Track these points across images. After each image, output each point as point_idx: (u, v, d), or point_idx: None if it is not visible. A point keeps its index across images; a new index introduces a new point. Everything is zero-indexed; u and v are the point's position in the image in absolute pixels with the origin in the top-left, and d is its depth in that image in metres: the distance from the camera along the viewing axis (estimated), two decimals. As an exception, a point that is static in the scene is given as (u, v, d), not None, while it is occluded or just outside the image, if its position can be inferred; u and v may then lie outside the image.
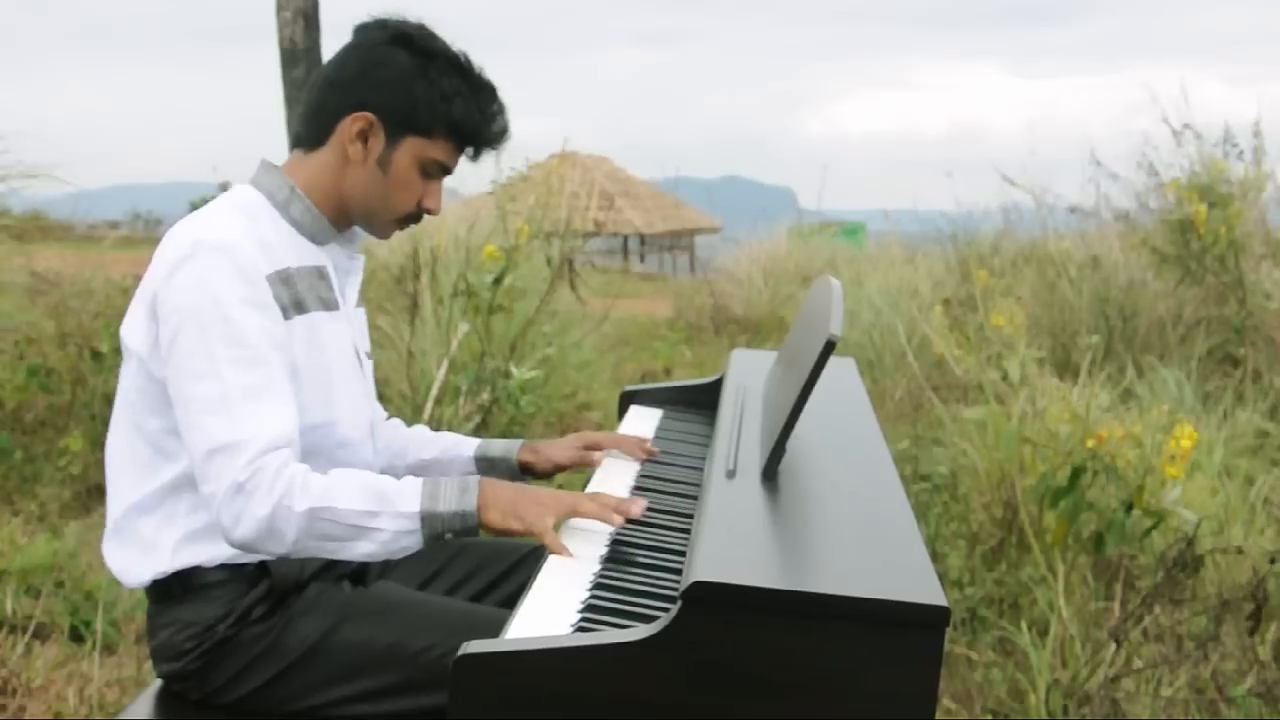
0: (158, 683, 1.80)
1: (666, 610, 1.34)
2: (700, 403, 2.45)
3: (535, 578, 1.56)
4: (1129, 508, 3.27)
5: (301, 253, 1.77)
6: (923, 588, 1.34)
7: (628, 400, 2.49)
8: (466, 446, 2.08)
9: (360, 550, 1.63)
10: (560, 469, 2.09)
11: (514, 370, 5.01)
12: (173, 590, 1.73)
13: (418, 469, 2.04)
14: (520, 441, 2.10)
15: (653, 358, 8.29)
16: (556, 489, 1.77)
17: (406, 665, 1.68)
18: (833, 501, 1.70)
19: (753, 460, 1.79)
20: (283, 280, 1.70)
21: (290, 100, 7.15)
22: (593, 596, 1.50)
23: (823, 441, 1.93)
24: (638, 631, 1.33)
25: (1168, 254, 6.38)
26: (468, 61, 1.78)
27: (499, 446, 2.08)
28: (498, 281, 4.79)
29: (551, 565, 1.59)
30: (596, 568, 1.59)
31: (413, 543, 1.64)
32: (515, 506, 1.66)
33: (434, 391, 4.77)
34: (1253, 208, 6.30)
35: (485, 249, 4.90)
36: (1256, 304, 5.97)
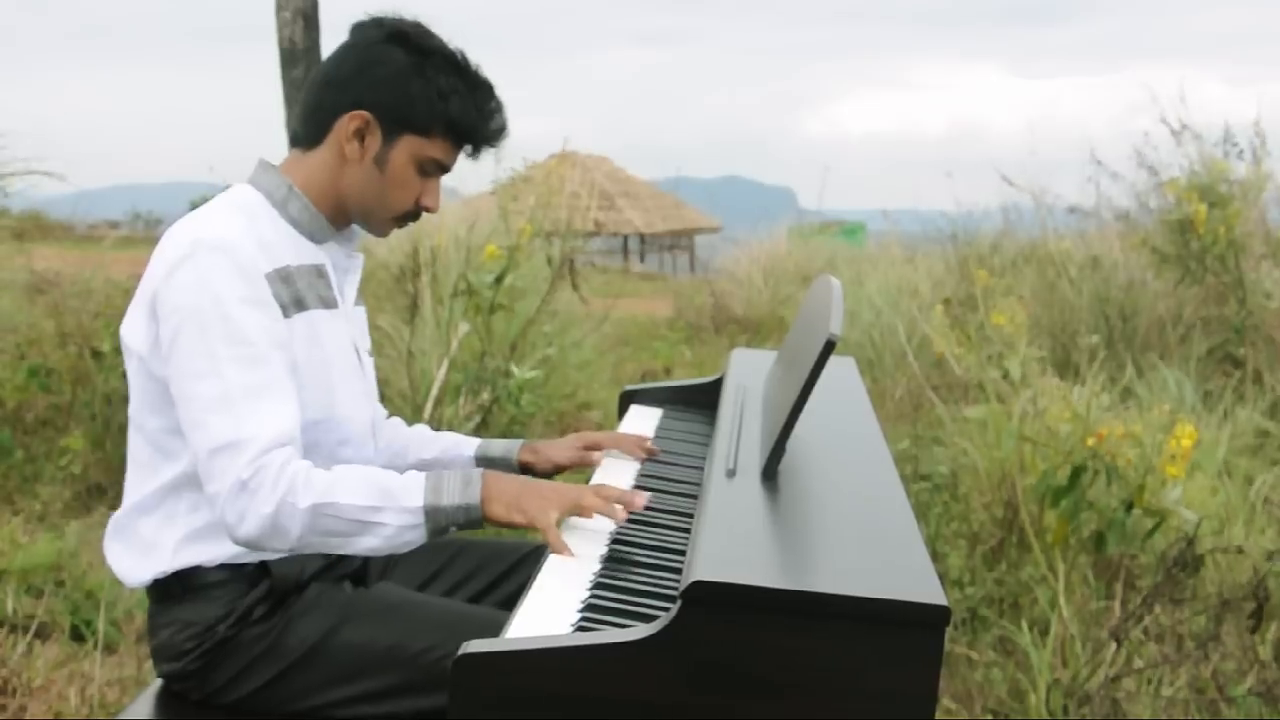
0: (158, 683, 1.80)
1: (666, 610, 1.33)
2: (700, 402, 2.45)
3: (535, 577, 1.56)
4: (1129, 507, 3.27)
5: (300, 251, 1.77)
6: (923, 587, 1.34)
7: (628, 400, 2.50)
8: (467, 446, 2.08)
9: (364, 545, 1.63)
10: (560, 469, 2.10)
11: (514, 370, 5.01)
12: (173, 590, 1.73)
13: (418, 469, 2.04)
14: (520, 442, 2.10)
15: (653, 357, 8.29)
16: (559, 482, 1.77)
17: (406, 666, 1.68)
18: (833, 501, 1.70)
19: (753, 460, 1.79)
20: (282, 278, 1.70)
21: (290, 100, 7.15)
22: (593, 596, 1.50)
23: (823, 441, 1.93)
24: (638, 631, 1.33)
25: (1168, 254, 6.38)
26: (464, 59, 1.78)
27: (499, 447, 2.08)
28: (499, 280, 4.79)
29: (552, 565, 1.59)
30: (596, 567, 1.59)
31: (417, 537, 1.64)
32: (519, 500, 1.66)
33: (434, 391, 4.77)
34: (1253, 208, 6.30)
35: (486, 249, 4.91)
36: (1256, 304, 5.97)
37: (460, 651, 1.33)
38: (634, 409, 2.45)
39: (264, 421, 1.60)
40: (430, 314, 5.52)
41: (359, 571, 1.88)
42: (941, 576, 2.78)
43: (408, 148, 1.75)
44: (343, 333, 1.82)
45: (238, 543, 1.62)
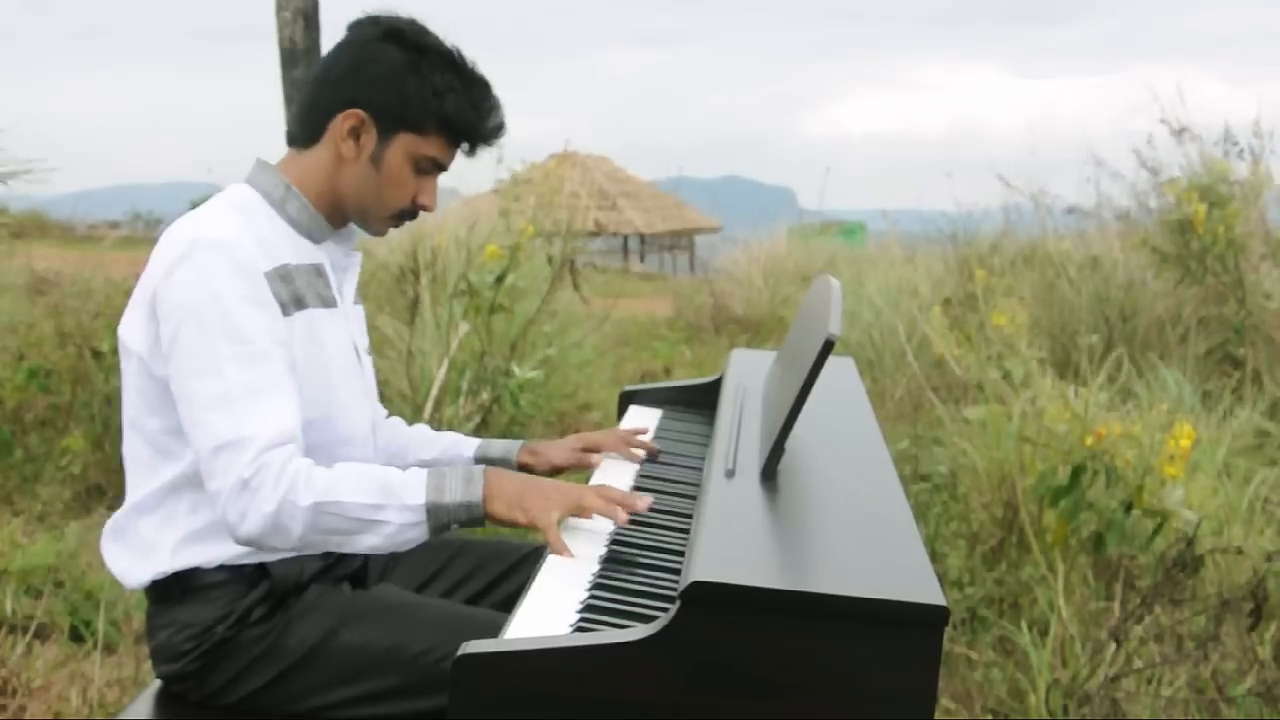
0: (157, 683, 1.80)
1: (666, 610, 1.33)
2: (700, 402, 2.45)
3: (534, 578, 1.56)
4: (1128, 508, 3.27)
5: (299, 250, 1.77)
6: (922, 587, 1.34)
7: (627, 400, 2.50)
8: (466, 447, 2.08)
9: (366, 543, 1.63)
10: (558, 470, 2.10)
11: (515, 370, 5.01)
12: (172, 591, 1.73)
13: (419, 467, 2.05)
14: (520, 442, 2.10)
15: (653, 357, 8.29)
16: (560, 481, 1.77)
17: (405, 668, 1.68)
18: (832, 501, 1.70)
19: (752, 460, 1.79)
20: (281, 277, 1.70)
21: (290, 100, 7.14)
22: (592, 596, 1.50)
23: (822, 441, 1.93)
24: (637, 631, 1.33)
25: (1168, 254, 6.39)
26: (460, 57, 1.77)
27: (499, 447, 2.08)
28: (499, 280, 4.79)
29: (551, 565, 1.59)
30: (596, 567, 1.59)
31: (419, 534, 1.64)
32: (521, 498, 1.66)
33: (434, 391, 4.78)
34: (1252, 208, 6.30)
35: (487, 249, 4.91)
36: (1256, 304, 5.97)
37: (460, 652, 1.33)
38: (633, 409, 2.45)
39: (265, 420, 1.60)
40: (430, 314, 5.52)
41: (358, 572, 1.88)
42: (941, 576, 2.78)
43: (403, 146, 1.75)
44: (342, 332, 1.82)
45: (239, 541, 1.62)
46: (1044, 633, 3.12)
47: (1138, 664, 2.88)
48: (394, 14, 1.78)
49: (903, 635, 1.29)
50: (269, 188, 1.77)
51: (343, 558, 1.83)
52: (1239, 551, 3.09)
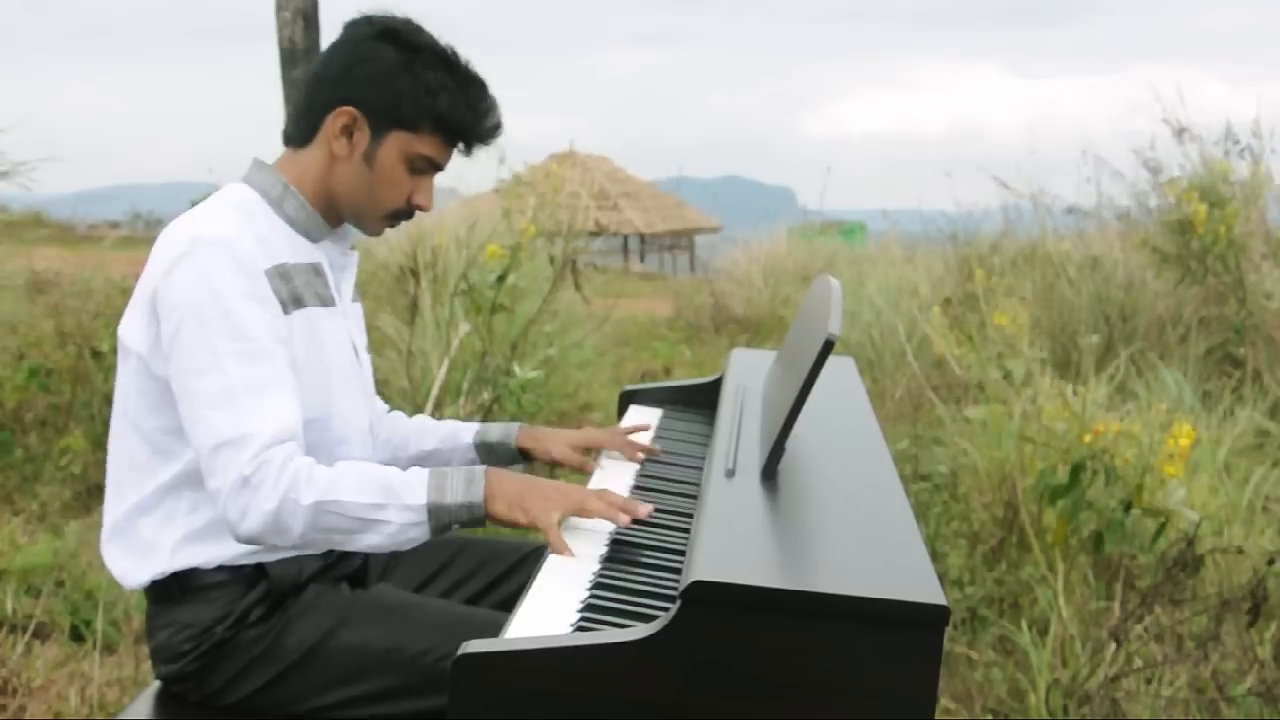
0: (157, 683, 1.79)
1: (666, 610, 1.33)
2: (700, 402, 2.45)
3: (535, 577, 1.56)
4: (1128, 507, 3.27)
5: (297, 249, 1.76)
6: (922, 587, 1.34)
7: (627, 400, 2.49)
8: (465, 433, 2.07)
9: (367, 543, 1.63)
10: (556, 464, 2.09)
11: (515, 369, 5.01)
12: (171, 591, 1.73)
13: (419, 460, 2.05)
14: (519, 425, 2.09)
15: (653, 357, 8.29)
16: (562, 482, 1.77)
17: (404, 669, 1.67)
18: (832, 501, 1.70)
19: (752, 460, 1.79)
20: (281, 275, 1.70)
21: (290, 100, 7.14)
22: (592, 596, 1.50)
23: (822, 441, 1.93)
24: (637, 631, 1.33)
25: (1168, 254, 6.39)
26: (455, 55, 1.76)
27: (497, 431, 2.08)
28: (501, 280, 4.79)
29: (551, 564, 1.59)
30: (596, 567, 1.59)
31: (420, 534, 1.64)
32: (522, 499, 1.66)
33: (434, 391, 4.78)
34: (1253, 208, 6.30)
35: (488, 248, 4.91)
36: (1257, 304, 5.97)
37: (460, 651, 1.33)
38: (634, 409, 2.45)
39: (266, 417, 1.59)
40: (431, 314, 5.52)
41: (358, 572, 1.88)
42: (941, 576, 2.78)
43: (396, 144, 1.75)
44: (340, 330, 1.82)
45: (239, 539, 1.62)
46: (1044, 633, 3.12)
47: (1138, 664, 2.88)
48: (389, 13, 1.78)
49: (903, 635, 1.29)
50: (267, 187, 1.77)
51: (342, 558, 1.83)
52: (1239, 551, 3.09)
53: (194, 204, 1.80)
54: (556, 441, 2.09)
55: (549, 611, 1.45)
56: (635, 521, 1.70)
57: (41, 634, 3.17)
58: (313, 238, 1.80)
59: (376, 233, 1.86)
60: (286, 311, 1.70)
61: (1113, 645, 2.87)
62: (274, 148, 1.85)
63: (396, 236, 7.86)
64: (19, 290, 5.91)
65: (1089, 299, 6.57)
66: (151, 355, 1.68)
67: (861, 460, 1.90)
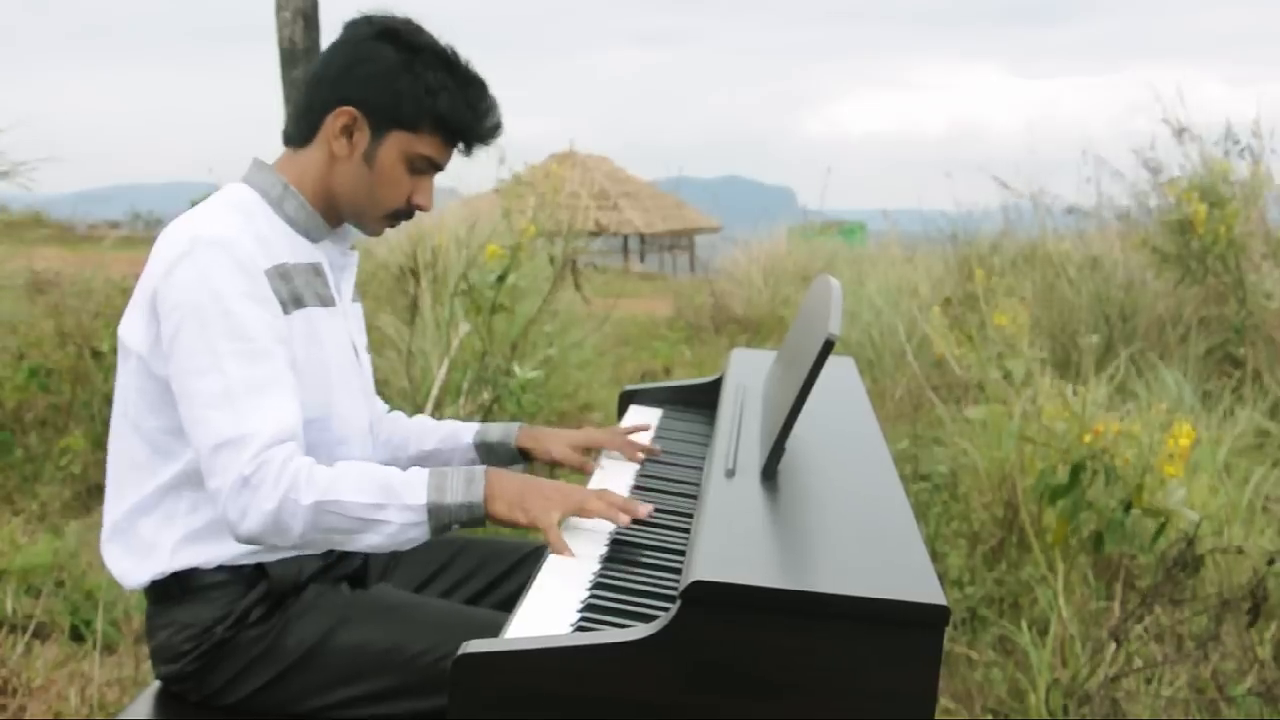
0: (157, 683, 1.79)
1: (666, 610, 1.33)
2: (700, 402, 2.45)
3: (535, 577, 1.56)
4: (1128, 507, 3.27)
5: (297, 249, 1.76)
6: (922, 587, 1.34)
7: (627, 400, 2.49)
8: (465, 433, 2.07)
9: (367, 543, 1.63)
10: (555, 464, 2.09)
11: (515, 370, 5.01)
12: (171, 591, 1.72)
13: (419, 460, 2.05)
14: (519, 425, 2.10)
15: (653, 357, 8.29)
16: (562, 482, 1.77)
17: (403, 669, 1.67)
18: (832, 501, 1.70)
19: (752, 459, 1.79)
20: (281, 275, 1.70)
21: (290, 100, 7.13)
22: (592, 596, 1.50)
23: (822, 441, 1.93)
24: (637, 631, 1.33)
25: (1168, 254, 6.39)
26: (455, 55, 1.76)
27: (497, 431, 2.08)
28: (501, 280, 4.79)
29: (552, 564, 1.59)
30: (596, 567, 1.59)
31: (420, 534, 1.64)
32: (522, 499, 1.66)
33: (434, 391, 4.78)
34: (1253, 207, 6.30)
35: (488, 248, 4.91)
36: (1257, 304, 5.97)
37: (460, 651, 1.33)
38: (634, 409, 2.45)
39: (266, 417, 1.59)
40: (431, 314, 5.52)
41: (358, 572, 1.88)
42: (941, 576, 2.78)
43: (396, 144, 1.74)
44: (340, 331, 1.82)
45: (239, 539, 1.61)
46: (1044, 633, 3.11)
47: (1138, 664, 2.88)
48: (389, 13, 1.78)
49: (903, 635, 1.29)
50: (266, 187, 1.77)
51: (342, 558, 1.83)
52: (1239, 551, 3.09)
53: (194, 204, 1.81)
54: (556, 441, 2.09)
55: (549, 611, 1.45)
56: (635, 521, 1.70)
57: (41, 634, 3.17)
58: (313, 238, 1.80)
59: (376, 233, 1.86)
60: (286, 311, 1.70)
61: (1113, 645, 2.87)
62: (274, 148, 1.85)
63: (396, 236, 7.85)
64: (19, 290, 5.91)
65: (1089, 299, 6.57)
66: (151, 355, 1.68)
67: (861, 460, 1.90)
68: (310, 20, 7.27)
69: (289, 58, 7.23)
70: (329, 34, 1.84)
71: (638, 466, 2.05)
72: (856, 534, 1.55)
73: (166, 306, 1.64)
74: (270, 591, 1.73)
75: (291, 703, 1.71)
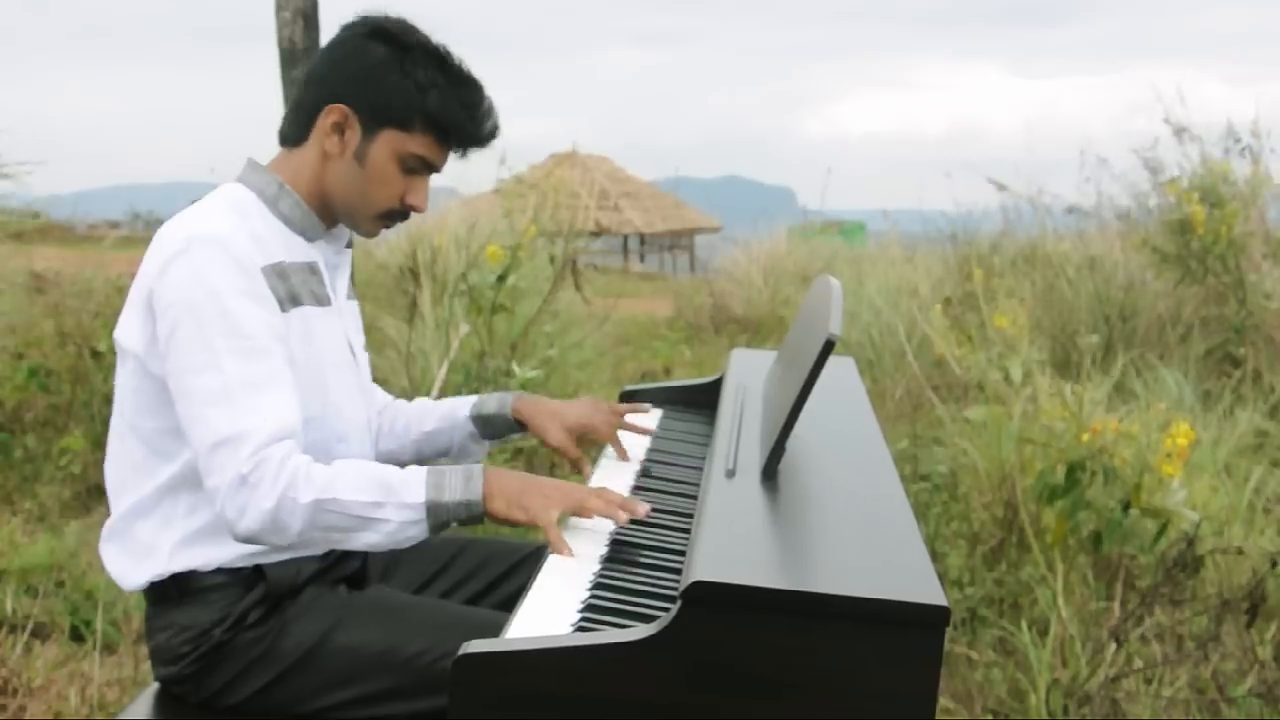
0: (157, 684, 1.79)
1: (666, 610, 1.33)
2: (700, 402, 2.45)
3: (535, 577, 1.56)
4: (1126, 507, 3.27)
5: (293, 248, 1.76)
6: (923, 587, 1.34)
7: (627, 400, 2.49)
8: (462, 407, 2.07)
9: (365, 541, 1.62)
10: (547, 446, 2.08)
11: (515, 370, 5.01)
12: (169, 593, 1.72)
13: (421, 442, 2.05)
14: (515, 395, 2.08)
15: (653, 357, 8.29)
16: (561, 480, 1.77)
17: (400, 670, 1.67)
18: (833, 501, 1.70)
19: (753, 460, 1.79)
20: (278, 273, 1.70)
21: (289, 100, 7.11)
22: (593, 596, 1.50)
23: (823, 441, 1.93)
24: (638, 631, 1.33)
25: (1168, 254, 6.39)
26: (447, 54, 1.76)
27: (493, 402, 2.07)
28: (501, 280, 4.79)
29: (552, 564, 1.59)
30: (596, 567, 1.59)
31: (418, 533, 1.63)
32: (520, 497, 1.66)
33: (434, 391, 4.78)
34: (1252, 207, 6.31)
35: (488, 249, 4.91)
36: (1257, 304, 5.97)
37: (460, 651, 1.32)
38: (633, 416, 2.45)
39: (264, 415, 1.59)
40: (431, 314, 5.52)
41: (357, 573, 1.87)
42: (941, 576, 2.78)
43: (388, 143, 1.74)
44: (336, 329, 1.81)
45: (237, 538, 1.61)
46: (1044, 633, 3.11)
47: (1138, 664, 2.88)
48: (383, 14, 1.78)
49: (903, 635, 1.29)
50: (261, 186, 1.77)
51: (340, 559, 1.83)
52: (1239, 551, 3.09)
53: (193, 204, 1.80)
54: (553, 423, 2.06)
55: (549, 611, 1.45)
56: (635, 522, 1.70)
57: (41, 634, 3.17)
58: (308, 237, 1.79)
59: (371, 233, 1.85)
60: (284, 309, 1.69)
61: (1113, 645, 2.87)
62: (274, 148, 1.85)
63: (396, 237, 7.85)
64: (19, 290, 5.91)
65: (1089, 299, 6.58)
66: (147, 354, 1.67)
67: (862, 460, 1.90)
68: (310, 20, 7.26)
69: (289, 58, 7.22)
70: (329, 34, 1.84)
71: (638, 466, 2.04)
72: (857, 534, 1.55)
73: (162, 305, 1.64)
74: (268, 594, 1.73)
75: (290, 704, 1.71)
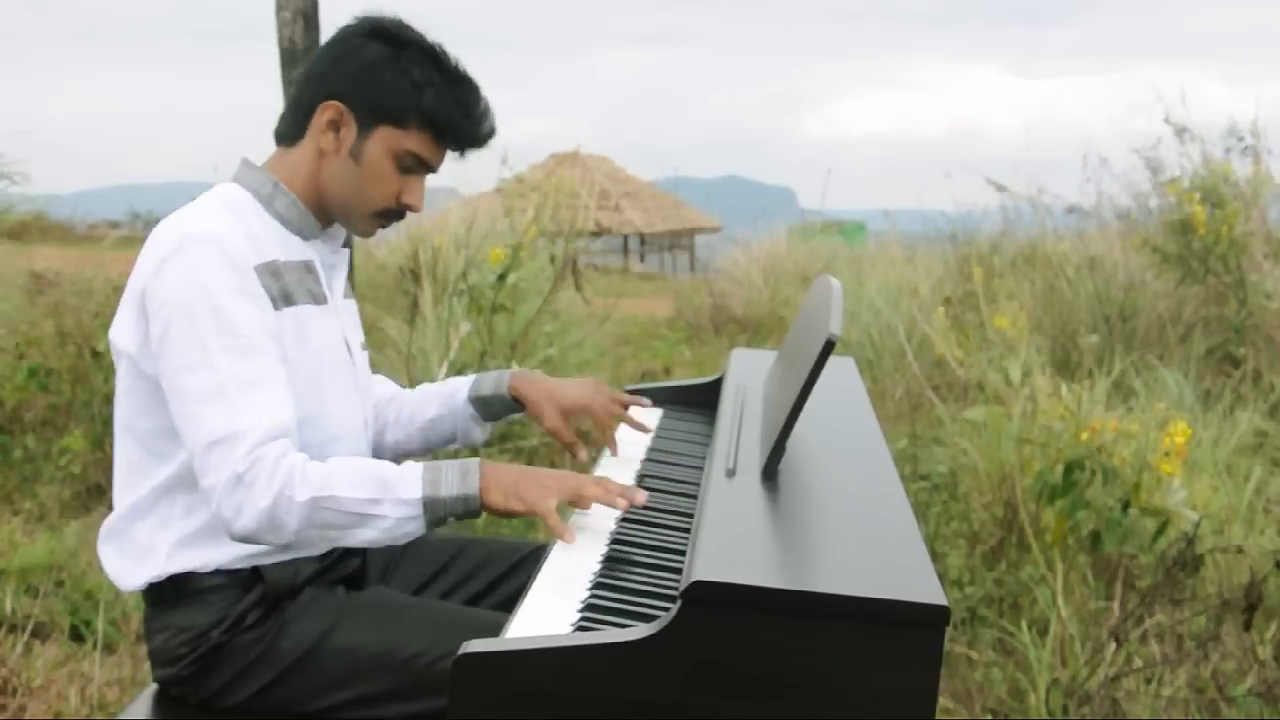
0: (155, 684, 1.79)
1: (667, 610, 1.33)
2: (700, 402, 2.45)
3: (535, 577, 1.56)
4: (1125, 506, 3.27)
5: (288, 247, 1.76)
6: (923, 587, 1.34)
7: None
8: (461, 390, 2.06)
9: (362, 537, 1.62)
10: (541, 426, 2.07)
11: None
12: (167, 595, 1.72)
13: (427, 429, 2.05)
14: (511, 372, 2.07)
15: (653, 357, 8.29)
16: (557, 469, 1.76)
17: (397, 672, 1.67)
18: (833, 501, 1.70)
19: (753, 459, 1.79)
20: (271, 272, 1.70)
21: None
22: (593, 596, 1.50)
23: (823, 441, 1.93)
24: (638, 631, 1.33)
25: (1169, 254, 6.39)
26: (443, 53, 1.76)
27: (489, 383, 2.06)
28: (502, 279, 4.79)
29: (552, 564, 1.59)
30: (597, 567, 1.59)
31: (415, 528, 1.63)
32: (517, 488, 1.65)
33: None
34: (1253, 208, 6.31)
35: (491, 252, 4.91)
36: (1257, 304, 5.97)
37: (461, 651, 1.32)
38: (633, 410, 2.45)
39: (259, 414, 1.59)
40: (431, 314, 5.52)
41: (356, 574, 1.87)
42: (941, 576, 2.77)
43: (384, 140, 1.74)
44: (332, 328, 1.81)
45: (234, 538, 1.61)
46: (1044, 632, 3.11)
47: (1137, 664, 2.88)
48: (379, 13, 1.78)
49: (903, 635, 1.29)
50: (256, 185, 1.77)
51: (339, 560, 1.82)
52: (1239, 551, 3.09)
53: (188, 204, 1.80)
54: (549, 405, 2.04)
55: (549, 611, 1.45)
56: (635, 522, 1.70)
57: (41, 634, 3.17)
58: (304, 236, 1.79)
59: (367, 233, 1.85)
60: (277, 308, 1.69)
61: (1112, 645, 2.87)
62: (274, 148, 1.85)
63: (397, 237, 7.85)
64: (19, 290, 5.91)
65: (1089, 299, 6.58)
66: (141, 354, 1.67)
67: (862, 460, 1.90)
68: (310, 20, 7.26)
69: (289, 58, 7.22)
70: (329, 34, 1.84)
71: (637, 466, 2.04)
72: (857, 534, 1.55)
73: (156, 304, 1.63)
74: (266, 595, 1.72)
75: (289, 705, 1.70)
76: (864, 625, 1.29)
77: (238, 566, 1.72)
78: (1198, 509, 3.38)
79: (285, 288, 1.71)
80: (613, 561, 1.61)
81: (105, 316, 5.01)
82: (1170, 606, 2.98)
